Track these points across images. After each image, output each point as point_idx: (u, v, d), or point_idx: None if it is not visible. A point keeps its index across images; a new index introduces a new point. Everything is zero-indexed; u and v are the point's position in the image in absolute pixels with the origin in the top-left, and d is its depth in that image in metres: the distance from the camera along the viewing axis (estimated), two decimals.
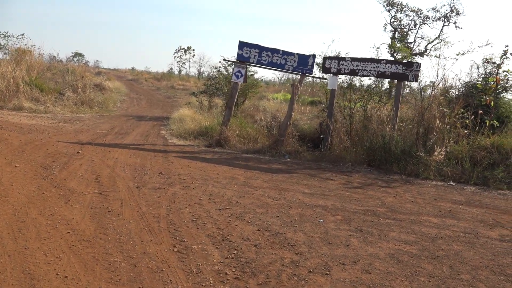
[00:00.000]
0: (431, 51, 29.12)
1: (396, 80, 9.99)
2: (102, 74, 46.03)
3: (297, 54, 10.53)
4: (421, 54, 29.16)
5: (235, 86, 10.86)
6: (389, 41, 30.31)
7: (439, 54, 10.38)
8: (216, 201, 5.63)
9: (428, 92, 10.75)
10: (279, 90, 36.82)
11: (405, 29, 29.99)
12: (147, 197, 5.53)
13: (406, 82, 10.33)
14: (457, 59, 10.88)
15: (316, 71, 11.12)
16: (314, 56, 10.47)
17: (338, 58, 10.24)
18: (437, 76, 10.57)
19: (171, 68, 60.03)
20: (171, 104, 24.33)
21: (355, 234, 4.84)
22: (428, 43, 29.71)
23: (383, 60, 9.84)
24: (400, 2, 28.77)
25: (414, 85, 12.60)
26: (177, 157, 8.55)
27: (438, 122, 9.17)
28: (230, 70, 16.69)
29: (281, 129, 10.52)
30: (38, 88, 15.89)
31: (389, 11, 29.54)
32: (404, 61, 9.88)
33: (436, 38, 29.49)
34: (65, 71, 19.09)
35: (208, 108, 16.86)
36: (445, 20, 29.43)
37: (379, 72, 9.87)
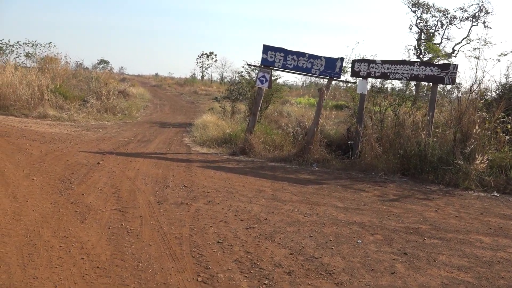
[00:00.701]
0: (459, 52, 28.08)
1: (431, 83, 9.31)
2: (127, 80, 46.34)
3: (324, 57, 9.99)
4: (449, 55, 28.14)
5: (259, 91, 10.38)
6: (415, 43, 29.39)
7: (479, 55, 9.67)
8: (243, 218, 5.14)
9: (459, 95, 10.03)
10: (302, 94, 36.25)
11: (431, 30, 29.02)
12: (168, 214, 5.08)
13: (442, 86, 9.62)
14: (499, 60, 10.06)
15: (344, 75, 10.54)
16: (342, 59, 9.90)
17: (368, 61, 9.64)
18: (475, 78, 9.86)
19: (194, 74, 60.14)
20: (194, 109, 24.06)
21: (399, 258, 4.27)
22: (456, 44, 28.68)
23: (417, 62, 9.20)
24: (426, 2, 27.85)
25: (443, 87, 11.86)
26: (201, 167, 8.10)
27: (477, 127, 8.46)
28: (253, 74, 16.25)
29: (308, 136, 9.98)
30: (63, 95, 15.78)
31: (414, 11, 28.62)
32: (440, 62, 9.20)
33: (464, 38, 28.43)
34: (89, 78, 18.97)
35: (231, 114, 16.44)
36: (473, 19, 28.35)
37: (413, 75, 9.23)
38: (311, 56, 10.01)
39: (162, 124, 16.01)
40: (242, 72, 17.50)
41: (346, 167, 9.22)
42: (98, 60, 64.95)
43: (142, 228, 4.55)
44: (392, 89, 10.81)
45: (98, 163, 7.56)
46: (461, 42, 28.75)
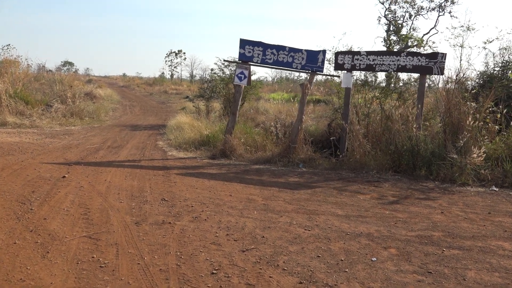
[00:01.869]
0: (427, 43, 28.02)
1: (419, 74, 8.78)
2: (93, 82, 44.50)
3: (305, 50, 9.31)
4: (418, 46, 28.03)
5: (238, 89, 9.61)
6: (385, 35, 29.21)
7: (462, 43, 9.23)
8: (237, 238, 4.38)
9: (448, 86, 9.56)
10: (273, 89, 35.65)
11: (399, 21, 28.87)
12: (149, 237, 4.27)
13: (430, 76, 9.11)
14: (485, 48, 9.64)
15: (326, 69, 9.90)
16: (324, 51, 9.25)
17: (352, 53, 9.02)
18: (460, 67, 9.43)
19: (163, 73, 58.61)
20: (165, 110, 23.05)
21: (424, 278, 3.62)
22: (424, 35, 28.60)
23: (403, 52, 8.67)
24: None
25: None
26: (180, 175, 7.28)
27: (470, 119, 7.98)
28: (226, 71, 15.47)
29: (291, 134, 9.29)
30: (23, 100, 14.52)
31: (383, 3, 28.37)
32: (427, 52, 8.68)
33: (431, 28, 28.37)
34: (52, 81, 17.69)
35: (206, 114, 15.61)
36: (440, 9, 28.37)
37: (399, 66, 8.67)
38: (292, 50, 9.31)
39: (133, 127, 15.00)
40: (214, 69, 16.70)
41: (335, 167, 8.58)
42: (62, 62, 62.35)
43: (119, 260, 3.73)
44: (376, 81, 10.25)
45: (64, 176, 6.62)
46: (429, 32, 28.73)
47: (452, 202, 6.25)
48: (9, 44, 28.22)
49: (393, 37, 28.75)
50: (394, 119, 8.79)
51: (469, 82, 10.44)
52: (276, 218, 5.10)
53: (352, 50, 9.35)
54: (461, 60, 9.13)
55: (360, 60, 8.90)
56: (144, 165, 8.02)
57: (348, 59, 8.99)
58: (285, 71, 42.03)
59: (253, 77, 18.03)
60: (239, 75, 9.44)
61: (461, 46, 8.90)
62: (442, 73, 8.52)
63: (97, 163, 7.93)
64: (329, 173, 8.12)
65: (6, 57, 20.12)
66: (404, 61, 8.60)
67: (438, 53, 8.43)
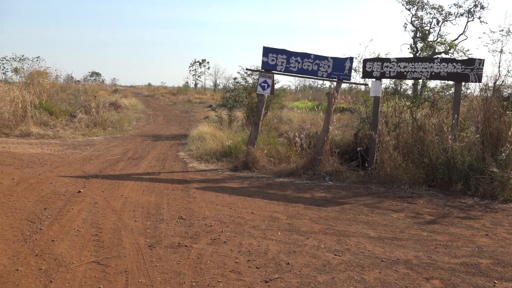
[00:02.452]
0: (457, 49, 27.06)
1: (454, 82, 8.17)
2: (119, 91, 45.02)
3: (331, 58, 8.83)
4: (446, 52, 27.14)
5: (261, 99, 9.19)
6: (411, 41, 28.38)
7: (501, 48, 8.56)
8: (259, 264, 3.92)
9: (486, 94, 8.89)
10: (297, 98, 35.14)
11: (426, 28, 28.00)
12: (163, 263, 3.86)
13: (467, 84, 8.48)
14: None
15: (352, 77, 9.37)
16: (351, 59, 8.75)
17: (381, 60, 8.48)
18: (499, 74, 8.74)
19: (187, 82, 58.89)
20: (188, 119, 22.85)
21: None
22: (453, 41, 27.67)
23: (437, 58, 8.06)
24: None
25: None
26: (200, 189, 6.89)
27: None
28: (250, 80, 15.11)
29: (317, 146, 8.79)
30: (48, 111, 14.51)
31: (409, 9, 27.60)
32: (463, 58, 8.06)
33: (460, 34, 27.44)
34: (77, 92, 17.72)
35: (229, 123, 15.25)
36: (469, 15, 27.40)
37: (433, 73, 8.08)
38: (317, 57, 8.85)
39: (156, 137, 14.77)
40: (236, 78, 16.38)
41: (363, 180, 8.04)
42: (89, 72, 63.53)
43: None
44: (405, 90, 9.66)
45: (79, 191, 6.31)
46: (457, 38, 27.80)
47: (497, 222, 5.63)
48: (38, 56, 28.73)
49: (420, 44, 27.96)
50: (427, 129, 8.19)
51: (504, 90, 9.71)
52: (302, 240, 4.62)
53: (380, 57, 8.80)
54: (499, 66, 8.46)
55: (390, 68, 8.35)
56: (163, 178, 7.67)
57: (377, 67, 8.46)
58: (309, 79, 41.50)
59: (276, 86, 17.62)
60: (262, 84, 9.04)
61: (501, 52, 8.24)
62: (479, 81, 7.89)
63: (116, 176, 7.62)
64: (357, 187, 7.58)
65: (35, 69, 20.48)
66: (438, 68, 8.01)
67: (475, 59, 7.81)
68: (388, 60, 8.42)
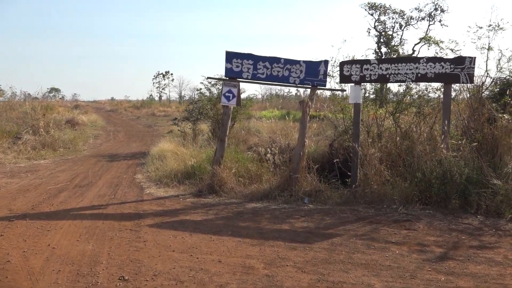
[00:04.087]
0: (419, 53, 26.74)
1: (443, 84, 7.15)
2: (80, 107, 42.62)
3: (304, 61, 7.64)
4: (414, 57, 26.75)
5: (226, 111, 7.88)
6: (375, 46, 27.90)
7: (488, 44, 7.63)
8: None
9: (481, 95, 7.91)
10: (264, 107, 34.04)
11: (389, 32, 27.61)
12: None
13: (457, 85, 7.47)
14: None
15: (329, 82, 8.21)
16: (326, 62, 7.59)
17: (361, 62, 7.37)
18: (487, 73, 7.82)
19: (151, 95, 56.82)
20: (151, 134, 21.24)
21: None
22: (416, 44, 27.39)
23: (423, 58, 7.01)
24: (383, 4, 26.41)
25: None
26: (154, 227, 5.48)
27: None
28: (214, 90, 13.77)
29: (292, 162, 7.55)
30: None
31: (372, 14, 27.14)
32: (452, 56, 7.06)
33: (423, 38, 27.16)
34: (25, 110, 15.86)
35: (193, 137, 13.84)
36: (430, 19, 27.21)
37: (419, 75, 7.02)
38: (288, 62, 7.64)
39: (112, 156, 13.16)
40: (201, 89, 15.04)
41: (348, 200, 6.84)
42: (48, 88, 60.33)
43: None
44: (388, 93, 8.60)
45: None
46: (419, 42, 27.53)
47: None
48: None
49: (384, 48, 27.52)
50: (416, 139, 7.11)
51: (493, 90, 8.79)
52: None
53: (359, 59, 7.69)
54: (487, 65, 7.54)
55: (371, 70, 7.24)
56: (110, 213, 6.20)
57: (355, 70, 7.33)
58: (276, 87, 40.59)
59: (242, 95, 16.35)
60: (227, 94, 7.74)
61: (489, 49, 7.30)
62: (471, 81, 6.88)
63: (50, 214, 6.09)
64: (343, 210, 6.37)
65: None
66: (424, 69, 6.96)
67: (465, 57, 6.81)
68: (368, 61, 7.31)
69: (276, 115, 23.23)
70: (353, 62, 7.41)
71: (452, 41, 7.49)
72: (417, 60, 7.04)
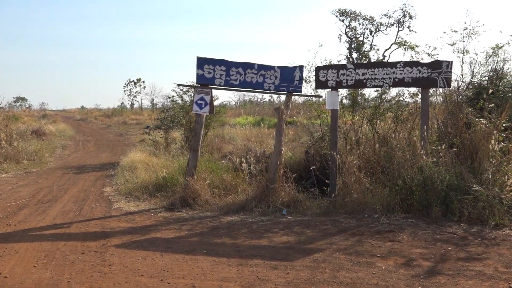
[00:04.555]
0: (389, 58, 27.01)
1: (420, 88, 6.97)
2: (48, 116, 41.14)
3: (278, 67, 7.34)
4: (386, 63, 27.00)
5: (198, 119, 7.47)
6: (346, 52, 28.07)
7: (464, 49, 7.54)
8: None
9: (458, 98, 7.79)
10: (238, 113, 33.70)
11: (360, 38, 27.83)
12: None
13: (434, 90, 7.32)
14: (496, 54, 7.87)
15: (305, 88, 7.94)
16: (301, 67, 7.31)
17: (337, 67, 7.12)
18: (462, 77, 7.73)
19: (122, 103, 55.54)
20: (123, 143, 20.52)
21: None
22: (386, 50, 27.70)
23: (400, 62, 6.82)
24: (353, 10, 26.60)
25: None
26: (122, 247, 5.00)
27: (493, 142, 6.19)
28: (186, 98, 13.32)
29: (269, 171, 7.20)
30: None
31: (343, 20, 27.29)
32: (430, 60, 6.89)
33: (392, 44, 27.53)
34: None
35: (165, 146, 13.32)
36: (399, 25, 27.59)
37: (396, 80, 6.83)
38: (262, 67, 7.32)
39: (80, 168, 12.48)
40: (173, 96, 14.56)
41: (328, 210, 6.55)
42: (14, 98, 58.08)
43: None
44: (365, 99, 8.39)
45: None
46: (390, 47, 27.86)
47: (508, 261, 4.31)
48: None
49: (355, 54, 27.70)
50: (395, 145, 6.90)
51: (468, 93, 8.71)
52: None
53: (335, 64, 7.46)
54: (462, 69, 7.46)
55: (347, 76, 7.00)
56: (74, 233, 5.67)
57: (332, 75, 7.07)
58: (249, 94, 40.32)
59: (216, 102, 15.93)
60: (199, 101, 7.34)
61: (464, 53, 7.21)
62: (448, 86, 6.73)
63: (5, 237, 5.52)
64: (323, 221, 6.06)
65: None
66: (401, 74, 6.77)
67: (442, 61, 6.66)
68: (344, 66, 7.07)
69: (250, 122, 22.94)
70: (329, 67, 7.15)
71: (429, 46, 7.33)
72: (394, 64, 6.85)
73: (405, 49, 7.62)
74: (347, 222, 5.96)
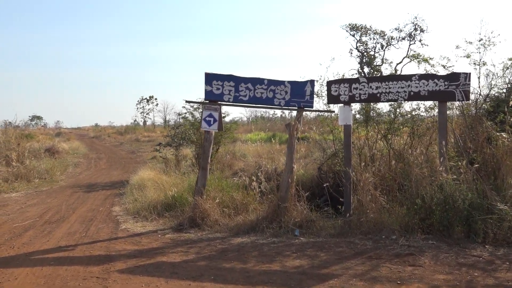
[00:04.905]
0: (401, 72, 26.64)
1: (437, 102, 6.64)
2: (63, 134, 41.58)
3: (289, 82, 7.10)
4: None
5: (207, 136, 7.25)
6: (358, 66, 27.83)
7: (480, 60, 7.22)
8: None
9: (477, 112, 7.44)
10: (249, 129, 33.53)
11: (371, 53, 27.59)
12: None
13: (451, 103, 6.99)
14: None
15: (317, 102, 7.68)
16: (312, 82, 7.06)
17: (349, 81, 6.86)
18: (480, 89, 7.40)
19: (135, 120, 55.91)
20: (134, 160, 20.43)
21: None
22: (398, 64, 27.39)
23: (415, 75, 6.53)
24: (364, 25, 26.43)
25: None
26: (126, 273, 4.74)
27: None
28: (197, 114, 13.17)
29: (281, 190, 6.90)
30: None
31: (353, 35, 27.14)
32: (445, 73, 6.58)
33: (404, 57, 27.23)
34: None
35: (176, 164, 13.13)
36: (410, 39, 27.31)
37: (411, 93, 6.53)
38: (272, 82, 7.09)
39: (90, 186, 12.34)
40: (185, 113, 14.44)
41: (342, 231, 6.21)
42: (30, 116, 58.94)
43: None
44: (378, 114, 8.08)
45: None
46: (402, 61, 27.53)
47: None
48: None
49: (367, 68, 27.43)
50: (412, 161, 6.56)
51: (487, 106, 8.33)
52: None
53: (347, 77, 7.20)
54: (479, 82, 7.14)
55: (360, 90, 6.73)
56: (77, 257, 5.43)
57: (344, 89, 6.81)
58: (260, 109, 40.13)
59: (226, 119, 15.79)
60: (207, 118, 7.13)
61: (480, 64, 6.88)
62: (467, 99, 6.41)
63: (7, 261, 5.30)
64: (337, 243, 5.72)
65: None
66: (417, 87, 6.48)
67: (459, 73, 6.34)
68: (357, 80, 6.80)
69: (262, 137, 22.70)
70: (341, 81, 6.89)
71: (443, 57, 7.03)
72: (409, 77, 6.56)
73: (418, 62, 7.30)
74: (364, 244, 5.61)
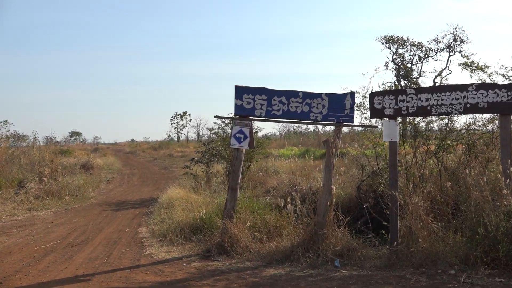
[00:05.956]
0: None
1: (499, 115, 5.76)
2: (99, 150, 42.27)
3: (326, 94, 6.41)
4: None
5: (237, 154, 6.63)
6: (394, 79, 26.70)
7: None
8: None
9: None
10: (282, 144, 32.78)
11: (408, 65, 26.44)
12: None
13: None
14: None
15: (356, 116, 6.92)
16: (352, 94, 6.34)
17: (395, 92, 6.08)
18: None
19: (169, 135, 56.40)
20: (166, 176, 20.14)
21: None
22: (436, 76, 26.08)
23: (472, 85, 5.69)
24: (400, 37, 25.36)
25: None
26: None
27: None
28: (228, 130, 12.65)
29: (318, 214, 6.15)
30: None
31: (389, 47, 26.11)
32: (507, 82, 5.71)
33: (444, 69, 25.93)
34: (32, 157, 14.99)
35: (206, 181, 12.60)
36: (450, 50, 26.00)
37: (467, 105, 5.68)
38: (307, 95, 6.42)
39: (120, 204, 11.96)
40: (216, 129, 13.98)
41: (390, 262, 5.38)
42: (69, 132, 60.70)
43: None
44: (427, 128, 7.24)
45: None
46: (441, 73, 26.22)
47: None
48: (6, 120, 25.74)
49: (404, 81, 26.27)
50: (470, 183, 5.67)
51: None
52: None
53: (393, 89, 6.41)
54: None
55: (408, 102, 5.93)
56: (94, 286, 4.88)
57: (389, 102, 6.03)
58: (293, 124, 39.37)
59: (259, 134, 15.16)
60: (237, 135, 6.52)
61: None
62: None
63: None
64: (385, 278, 4.91)
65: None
66: (474, 98, 5.62)
67: None
68: (403, 92, 6.01)
69: (295, 153, 21.93)
70: (385, 92, 6.11)
71: (502, 66, 6.15)
72: (464, 88, 5.71)
73: (472, 70, 6.44)
74: (416, 280, 4.78)
